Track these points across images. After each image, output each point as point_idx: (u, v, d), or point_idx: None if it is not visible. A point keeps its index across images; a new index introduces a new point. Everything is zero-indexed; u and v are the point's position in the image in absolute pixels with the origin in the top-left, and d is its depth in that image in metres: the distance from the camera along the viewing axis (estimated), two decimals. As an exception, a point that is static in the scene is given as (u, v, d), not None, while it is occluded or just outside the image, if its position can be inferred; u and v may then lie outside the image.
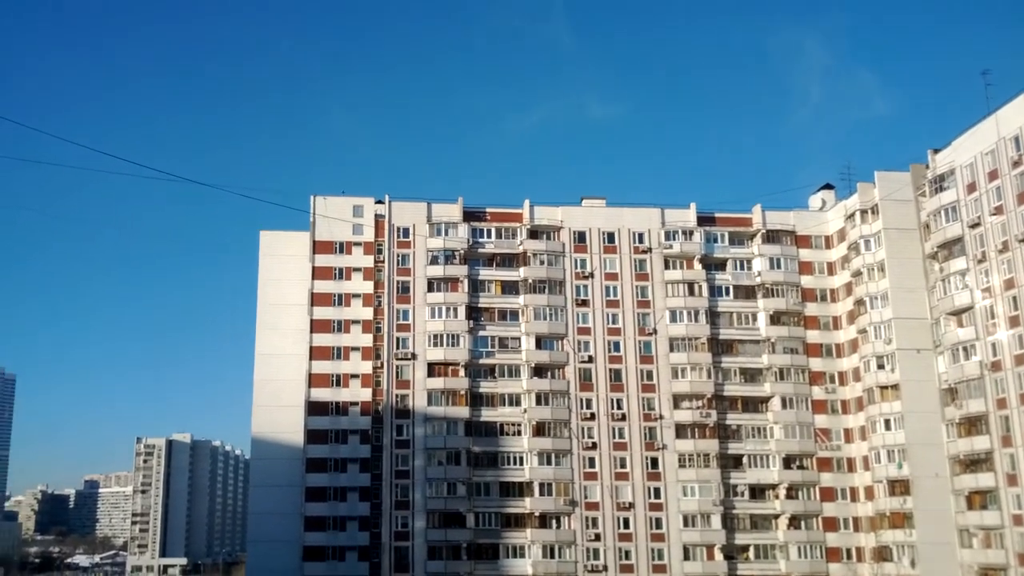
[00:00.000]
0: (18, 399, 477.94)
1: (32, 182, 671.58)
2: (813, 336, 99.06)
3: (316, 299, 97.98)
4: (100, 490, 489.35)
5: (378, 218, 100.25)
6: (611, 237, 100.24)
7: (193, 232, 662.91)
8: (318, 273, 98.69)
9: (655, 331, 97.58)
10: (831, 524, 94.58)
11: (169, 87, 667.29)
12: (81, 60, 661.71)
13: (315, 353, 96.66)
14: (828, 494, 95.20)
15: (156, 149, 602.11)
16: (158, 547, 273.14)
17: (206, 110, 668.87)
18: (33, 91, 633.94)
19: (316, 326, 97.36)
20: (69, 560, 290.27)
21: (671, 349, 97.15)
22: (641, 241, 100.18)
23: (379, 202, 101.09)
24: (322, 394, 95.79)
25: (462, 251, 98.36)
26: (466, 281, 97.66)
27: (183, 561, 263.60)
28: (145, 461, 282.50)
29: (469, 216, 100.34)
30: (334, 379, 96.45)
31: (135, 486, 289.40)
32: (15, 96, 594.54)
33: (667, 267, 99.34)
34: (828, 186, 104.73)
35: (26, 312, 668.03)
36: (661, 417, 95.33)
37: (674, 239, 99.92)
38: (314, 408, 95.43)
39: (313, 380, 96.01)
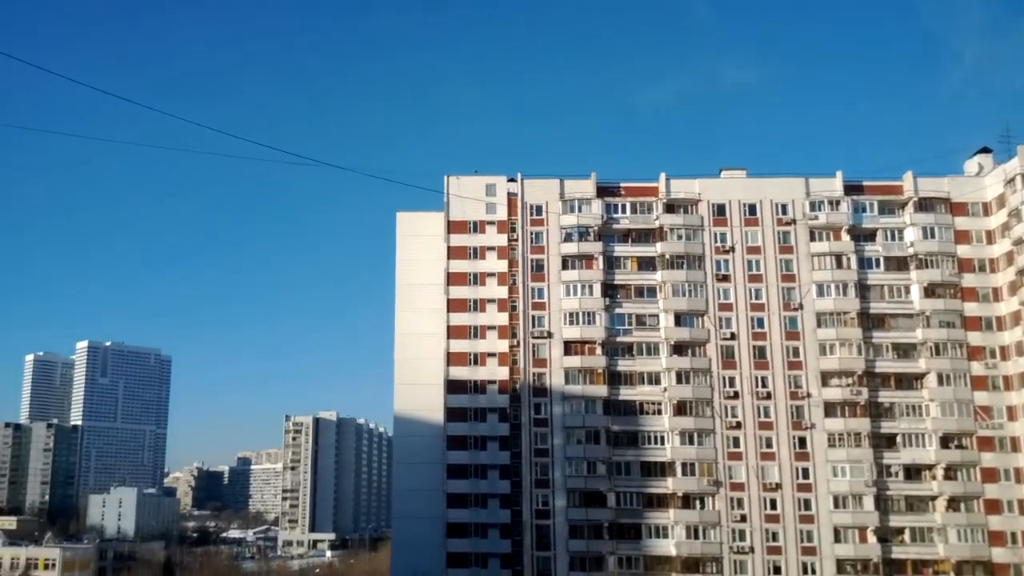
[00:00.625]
0: (174, 380, 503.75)
1: (176, 171, 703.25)
2: (971, 309, 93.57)
3: (452, 279, 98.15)
4: (252, 467, 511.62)
5: (511, 196, 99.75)
6: (752, 209, 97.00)
7: (332, 214, 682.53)
8: (453, 253, 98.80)
9: (801, 306, 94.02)
10: (993, 506, 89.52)
11: (300, 73, 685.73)
12: (213, 48, 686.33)
13: (452, 332, 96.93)
14: (990, 475, 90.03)
15: (295, 136, 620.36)
16: (307, 522, 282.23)
17: (340, 93, 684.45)
18: (174, 80, 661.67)
19: (452, 305, 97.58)
20: (225, 534, 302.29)
21: (819, 324, 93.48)
22: (784, 212, 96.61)
23: (511, 180, 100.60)
24: (460, 372, 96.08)
25: (596, 227, 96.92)
26: (601, 258, 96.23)
27: (331, 536, 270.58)
28: (294, 438, 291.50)
29: (603, 192, 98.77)
30: (471, 358, 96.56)
31: (285, 463, 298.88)
32: (158, 86, 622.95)
33: (813, 239, 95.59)
34: (985, 150, 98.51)
35: (180, 298, 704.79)
36: (809, 395, 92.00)
37: (820, 209, 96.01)
38: (453, 386, 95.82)
39: (451, 359, 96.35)
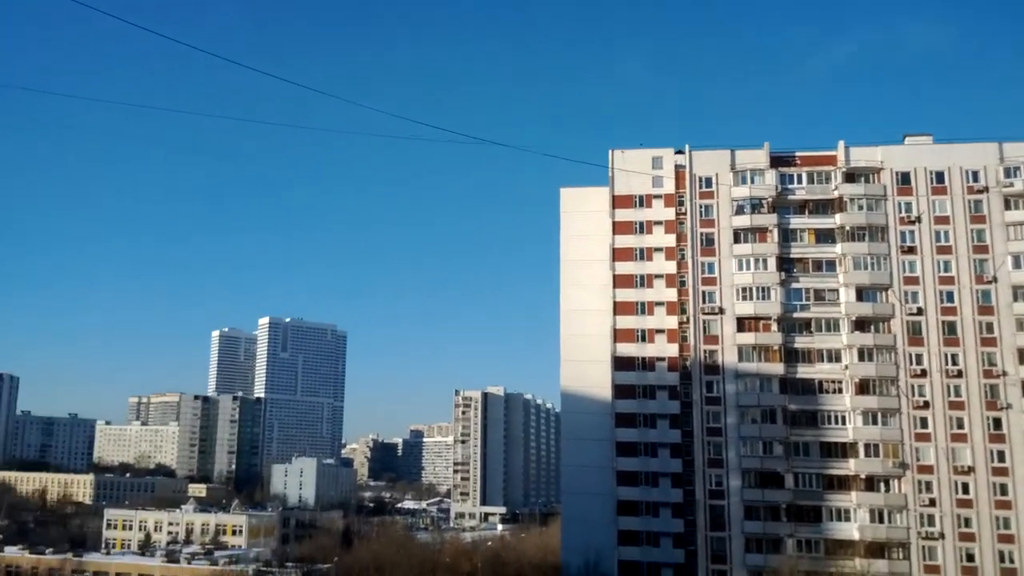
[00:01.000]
0: (349, 355, 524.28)
1: (339, 153, 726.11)
2: None
3: (617, 254, 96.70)
4: (424, 440, 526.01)
5: (678, 169, 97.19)
6: (940, 177, 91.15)
7: (497, 191, 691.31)
8: (618, 228, 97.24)
9: (995, 279, 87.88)
10: None
11: (465, 53, 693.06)
12: (384, 34, 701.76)
13: (619, 308, 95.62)
14: None
15: (458, 115, 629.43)
16: (479, 495, 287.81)
17: (501, 71, 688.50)
18: (342, 64, 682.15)
19: (618, 281, 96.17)
20: (399, 505, 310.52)
21: (1015, 299, 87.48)
22: (975, 180, 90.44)
23: (679, 152, 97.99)
24: (627, 349, 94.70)
25: (770, 199, 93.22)
26: (775, 231, 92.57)
27: (502, 510, 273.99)
28: (463, 412, 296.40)
29: (776, 162, 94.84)
30: (639, 334, 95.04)
31: (455, 436, 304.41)
32: (329, 72, 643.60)
33: (1008, 207, 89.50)
34: None
35: (355, 276, 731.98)
36: (1005, 374, 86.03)
37: (1016, 176, 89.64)
38: (620, 363, 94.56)
39: (618, 335, 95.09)
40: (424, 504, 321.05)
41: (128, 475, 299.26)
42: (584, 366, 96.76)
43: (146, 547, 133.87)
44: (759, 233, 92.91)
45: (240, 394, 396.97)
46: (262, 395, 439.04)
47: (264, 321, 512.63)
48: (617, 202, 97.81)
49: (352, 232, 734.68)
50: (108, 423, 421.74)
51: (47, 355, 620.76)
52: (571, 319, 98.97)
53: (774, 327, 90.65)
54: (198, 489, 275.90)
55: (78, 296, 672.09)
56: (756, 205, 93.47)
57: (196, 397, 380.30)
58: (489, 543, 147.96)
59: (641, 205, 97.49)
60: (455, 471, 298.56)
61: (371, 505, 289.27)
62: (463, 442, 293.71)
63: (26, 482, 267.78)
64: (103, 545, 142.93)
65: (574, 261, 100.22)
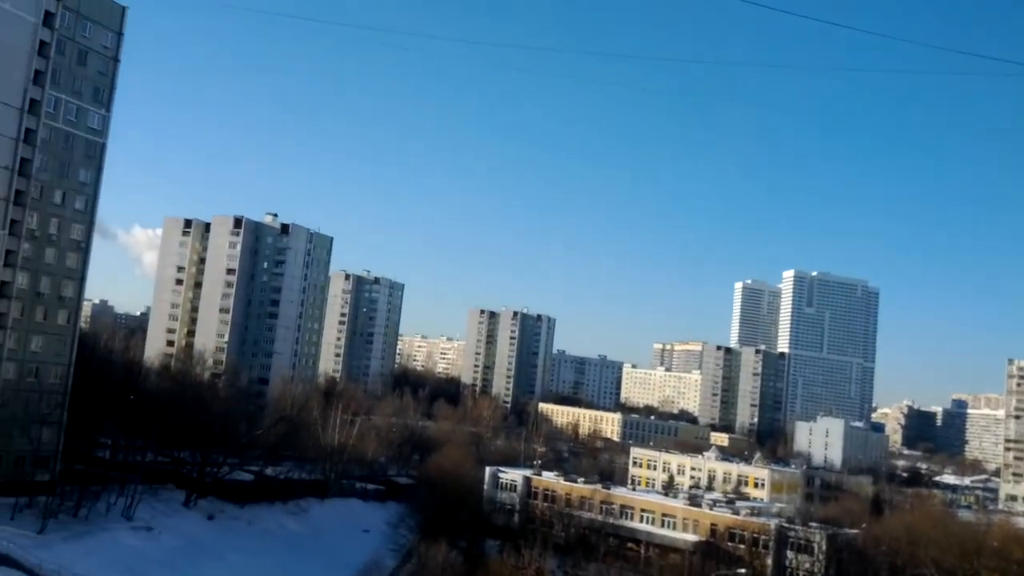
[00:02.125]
0: (882, 313, 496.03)
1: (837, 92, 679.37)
2: None
3: None
4: (968, 411, 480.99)
5: None
6: None
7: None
8: None
9: None
10: None
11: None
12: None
13: None
14: None
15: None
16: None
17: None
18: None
19: None
20: (937, 478, 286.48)
21: None
22: None
23: None
24: None
25: None
26: None
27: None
28: (1018, 384, 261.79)
29: None
30: None
31: (1007, 410, 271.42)
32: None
33: None
34: None
35: (887, 227, 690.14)
36: None
37: None
38: None
39: None
40: (967, 480, 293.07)
41: (652, 417, 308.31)
42: None
43: (669, 488, 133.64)
44: None
45: (763, 347, 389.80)
46: (786, 350, 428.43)
47: (788, 274, 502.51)
48: None
49: (884, 184, 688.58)
50: (634, 366, 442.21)
51: (580, 301, 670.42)
52: None
53: None
54: (719, 438, 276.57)
55: (606, 247, 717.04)
56: None
57: (719, 347, 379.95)
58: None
59: None
60: (1007, 448, 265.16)
61: (904, 475, 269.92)
62: (1018, 417, 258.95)
63: (561, 415, 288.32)
64: (628, 481, 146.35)
65: None
